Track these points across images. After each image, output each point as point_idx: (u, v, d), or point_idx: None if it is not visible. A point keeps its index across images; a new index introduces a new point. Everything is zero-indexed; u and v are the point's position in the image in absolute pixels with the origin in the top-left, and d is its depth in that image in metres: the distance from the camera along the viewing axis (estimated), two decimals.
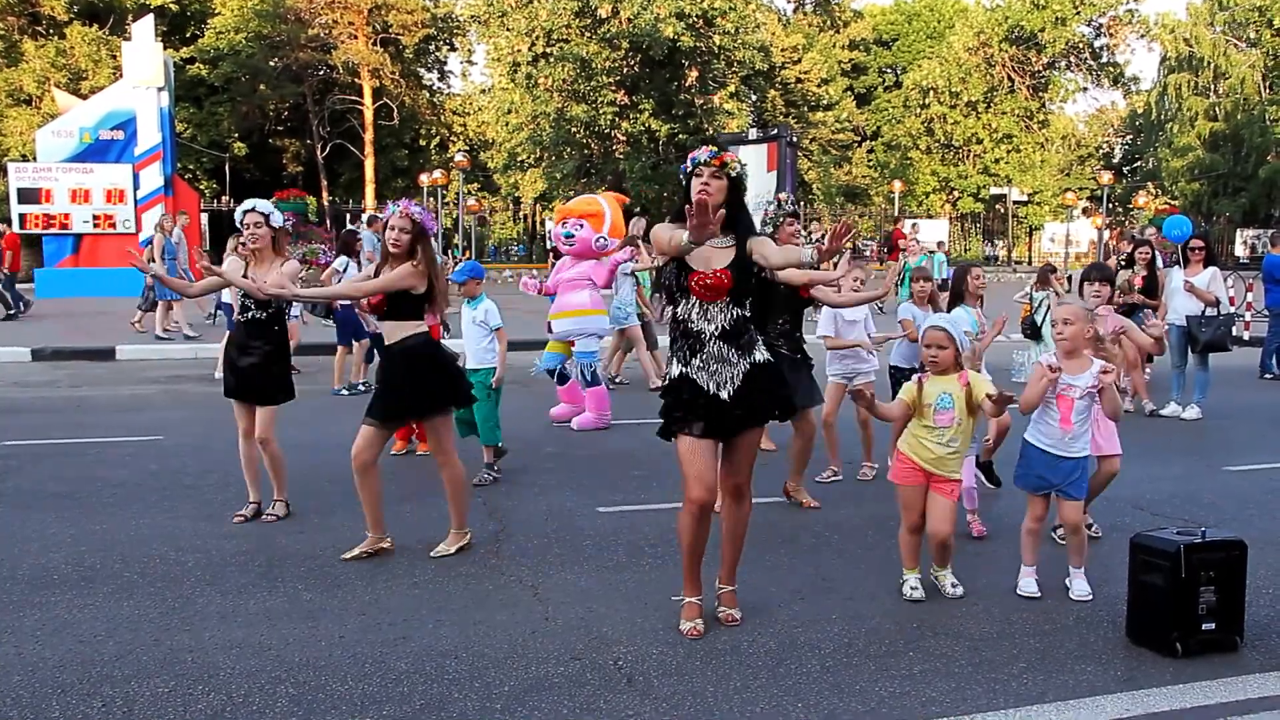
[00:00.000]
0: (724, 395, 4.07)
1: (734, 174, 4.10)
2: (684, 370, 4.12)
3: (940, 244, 24.73)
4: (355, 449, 5.15)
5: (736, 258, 4.09)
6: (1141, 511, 6.16)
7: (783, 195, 6.78)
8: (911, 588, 4.66)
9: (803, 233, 6.49)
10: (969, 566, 4.95)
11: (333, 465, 6.74)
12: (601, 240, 8.81)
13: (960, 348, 4.59)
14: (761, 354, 4.18)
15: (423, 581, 4.87)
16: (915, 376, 4.71)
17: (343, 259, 10.63)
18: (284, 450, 5.94)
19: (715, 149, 4.14)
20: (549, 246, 8.88)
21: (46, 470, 7.11)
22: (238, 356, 5.81)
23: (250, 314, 5.78)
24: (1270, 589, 4.76)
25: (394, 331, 5.18)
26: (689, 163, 4.13)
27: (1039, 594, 4.63)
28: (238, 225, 5.82)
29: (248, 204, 5.84)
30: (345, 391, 10.33)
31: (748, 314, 4.15)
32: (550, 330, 8.83)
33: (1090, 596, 4.62)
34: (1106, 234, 31.79)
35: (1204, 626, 4.08)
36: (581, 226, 8.75)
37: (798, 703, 3.64)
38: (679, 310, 4.16)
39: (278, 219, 5.79)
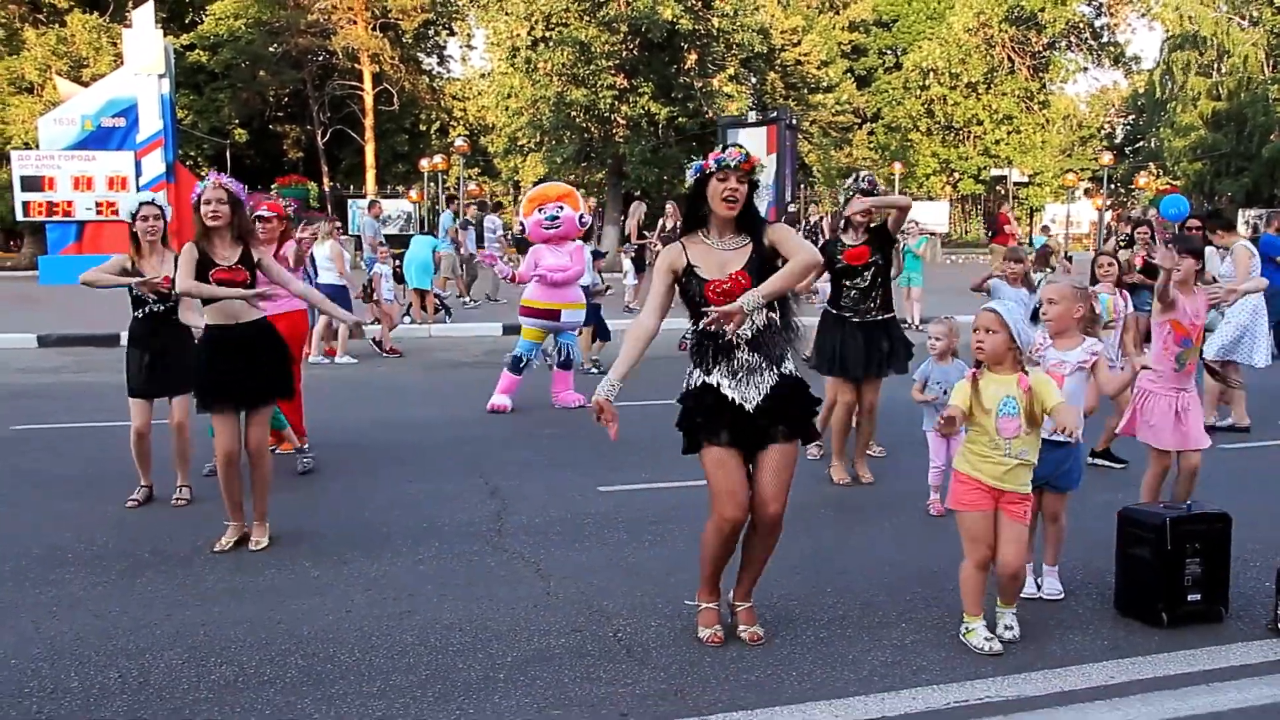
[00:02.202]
0: (749, 407, 3.81)
1: (756, 179, 3.91)
2: (705, 380, 3.86)
3: (1045, 228, 24.98)
4: (225, 443, 5.06)
5: (754, 256, 3.84)
6: (1134, 487, 6.23)
7: (862, 172, 6.80)
8: (985, 638, 3.93)
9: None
10: (958, 541, 5.03)
11: (343, 446, 6.85)
12: (584, 218, 9.09)
13: (1017, 339, 3.91)
14: (789, 366, 3.92)
15: (426, 558, 4.98)
16: (968, 373, 4.05)
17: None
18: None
19: (745, 152, 3.86)
20: (519, 235, 8.79)
21: (55, 453, 7.22)
22: (141, 353, 5.84)
23: (146, 308, 5.83)
24: (1257, 562, 4.84)
25: (251, 308, 5.13)
26: (711, 163, 3.82)
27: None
28: (129, 218, 5.80)
29: (145, 197, 5.94)
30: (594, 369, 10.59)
31: (774, 319, 3.87)
32: (558, 319, 8.88)
33: (1061, 595, 4.47)
34: (1108, 215, 31.78)
35: (1189, 598, 4.17)
36: (562, 209, 8.84)
37: (792, 672, 3.75)
38: (702, 321, 3.80)
39: (168, 213, 5.92)
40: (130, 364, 5.94)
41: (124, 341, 13.82)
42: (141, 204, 5.83)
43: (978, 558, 3.97)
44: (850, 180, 6.58)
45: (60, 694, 3.55)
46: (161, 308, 5.81)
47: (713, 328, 3.72)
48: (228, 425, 5.09)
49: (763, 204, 21.26)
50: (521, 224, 9.15)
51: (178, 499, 5.94)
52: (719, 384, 3.84)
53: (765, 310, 3.82)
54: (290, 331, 7.35)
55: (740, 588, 4.11)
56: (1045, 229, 24.83)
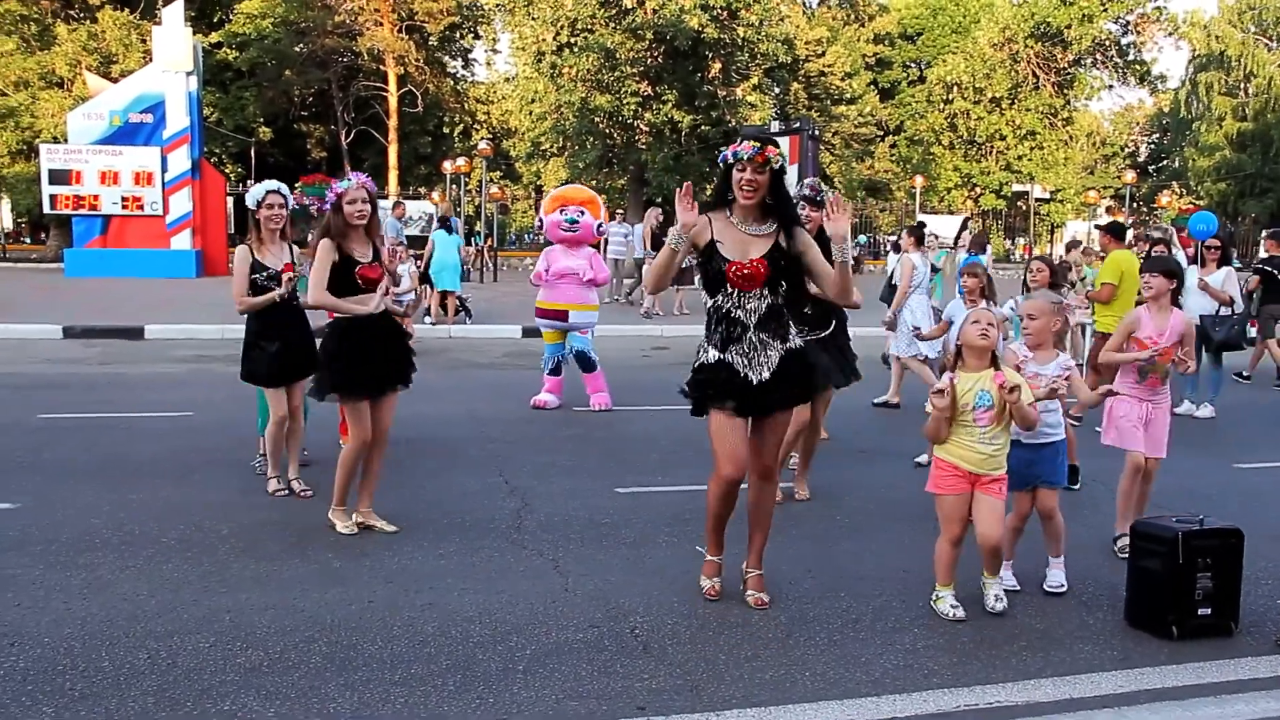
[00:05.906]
0: (757, 381, 4.17)
1: (777, 167, 4.17)
2: (720, 356, 4.21)
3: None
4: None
5: (775, 246, 4.18)
6: (1151, 504, 6.28)
7: (808, 180, 6.65)
8: (952, 605, 4.36)
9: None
10: (970, 549, 5.08)
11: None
12: (602, 226, 9.33)
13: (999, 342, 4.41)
14: (795, 340, 4.29)
15: (448, 553, 5.06)
16: (945, 376, 4.47)
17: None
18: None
19: (758, 144, 4.15)
20: (539, 232, 9.14)
21: (82, 443, 7.35)
22: (272, 343, 5.91)
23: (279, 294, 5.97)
24: (1269, 580, 4.88)
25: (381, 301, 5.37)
26: (730, 154, 4.19)
27: (1019, 586, 4.63)
28: (254, 205, 5.96)
29: (271, 185, 6.04)
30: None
31: (782, 301, 4.23)
32: (566, 319, 8.98)
33: (1064, 588, 4.62)
34: (1130, 233, 31.70)
35: (1200, 611, 4.20)
36: (583, 214, 9.02)
37: (805, 672, 3.82)
38: (719, 298, 4.22)
39: (291, 202, 6.11)
40: (258, 354, 5.97)
41: (148, 335, 14.02)
42: (267, 191, 5.98)
43: (952, 535, 4.37)
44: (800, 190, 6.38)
45: (92, 672, 3.64)
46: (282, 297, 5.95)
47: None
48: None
49: None
50: (540, 220, 9.30)
51: (301, 488, 6.09)
52: (732, 361, 4.19)
53: (769, 294, 4.19)
54: None
55: (752, 553, 4.49)
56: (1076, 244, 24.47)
